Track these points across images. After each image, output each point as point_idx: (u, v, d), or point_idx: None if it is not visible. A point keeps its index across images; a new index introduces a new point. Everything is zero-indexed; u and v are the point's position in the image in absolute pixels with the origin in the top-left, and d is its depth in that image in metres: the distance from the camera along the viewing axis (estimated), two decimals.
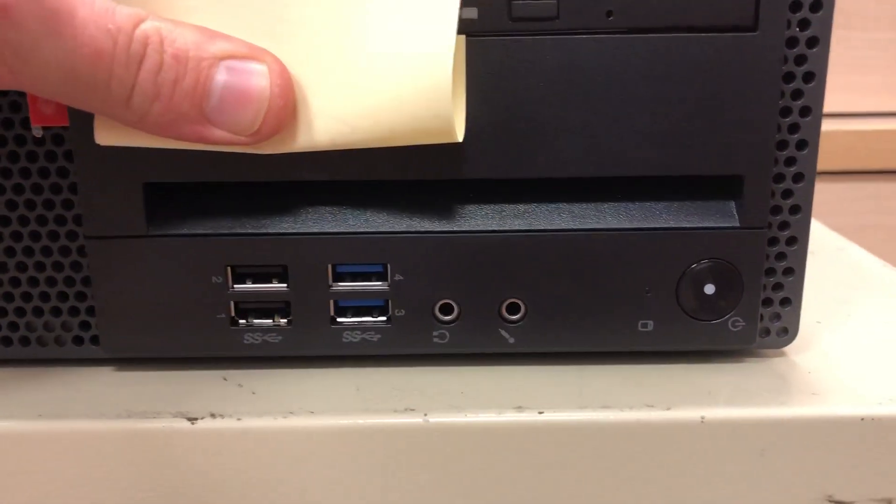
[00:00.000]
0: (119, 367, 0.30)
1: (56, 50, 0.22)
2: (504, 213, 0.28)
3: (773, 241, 0.29)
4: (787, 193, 0.28)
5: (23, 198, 0.28)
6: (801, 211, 0.28)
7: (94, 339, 0.29)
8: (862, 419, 0.27)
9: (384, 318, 0.29)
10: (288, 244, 0.28)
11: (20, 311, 0.29)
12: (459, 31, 0.25)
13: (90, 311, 0.29)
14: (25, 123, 0.27)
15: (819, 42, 0.27)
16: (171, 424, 0.27)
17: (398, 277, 0.28)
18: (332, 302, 0.29)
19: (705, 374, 0.29)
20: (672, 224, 0.28)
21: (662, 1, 0.26)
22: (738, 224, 0.28)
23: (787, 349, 0.31)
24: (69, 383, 0.29)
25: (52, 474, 0.27)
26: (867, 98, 0.79)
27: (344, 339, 0.29)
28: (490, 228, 0.28)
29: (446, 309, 0.29)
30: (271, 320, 0.29)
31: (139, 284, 0.28)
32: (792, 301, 0.29)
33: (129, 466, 0.27)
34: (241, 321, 0.29)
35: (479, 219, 0.28)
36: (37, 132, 0.27)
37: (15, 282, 0.29)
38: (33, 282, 0.29)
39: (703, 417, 0.27)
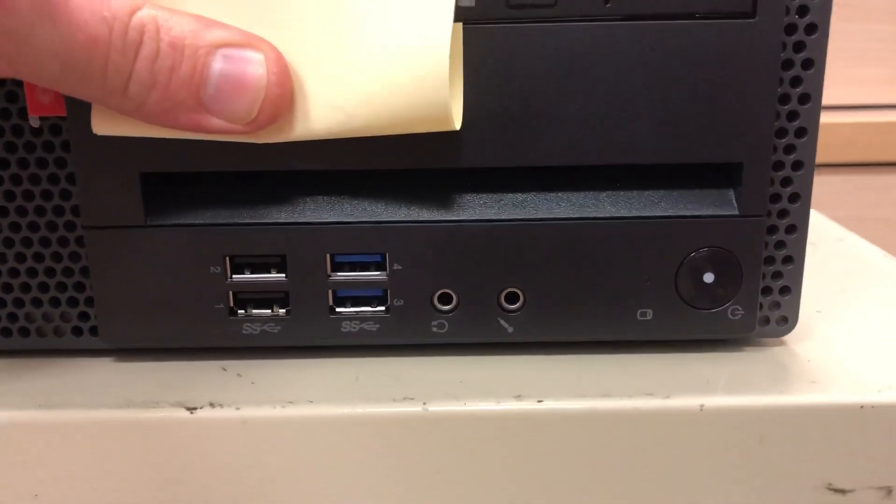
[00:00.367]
0: (118, 358, 0.30)
1: (51, 37, 0.22)
2: (502, 202, 0.28)
3: (772, 230, 0.29)
4: (787, 181, 0.28)
5: (21, 188, 0.28)
6: (801, 199, 0.28)
7: (93, 330, 0.29)
8: (861, 407, 0.27)
9: (383, 308, 0.29)
10: (286, 234, 0.28)
11: (19, 302, 0.29)
12: (456, 19, 0.25)
13: (89, 301, 0.29)
14: (23, 113, 0.27)
15: (818, 29, 0.27)
16: (170, 414, 0.27)
17: (397, 267, 0.28)
18: (330, 292, 0.29)
19: (704, 362, 0.29)
20: (671, 212, 0.28)
21: None
22: (737, 212, 0.28)
23: (786, 338, 0.31)
24: (68, 374, 0.29)
25: (51, 464, 0.27)
26: (868, 90, 0.79)
27: (343, 329, 0.29)
28: (488, 217, 0.28)
29: (445, 298, 0.29)
30: (270, 310, 0.29)
31: (137, 275, 0.28)
32: (791, 289, 0.29)
33: (129, 456, 0.27)
34: (239, 311, 0.29)
35: (478, 208, 0.28)
36: (34, 122, 0.27)
37: (14, 272, 0.29)
38: (32, 272, 0.29)
39: (702, 406, 0.27)
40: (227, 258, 0.28)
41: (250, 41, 0.24)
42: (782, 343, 0.31)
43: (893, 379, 0.28)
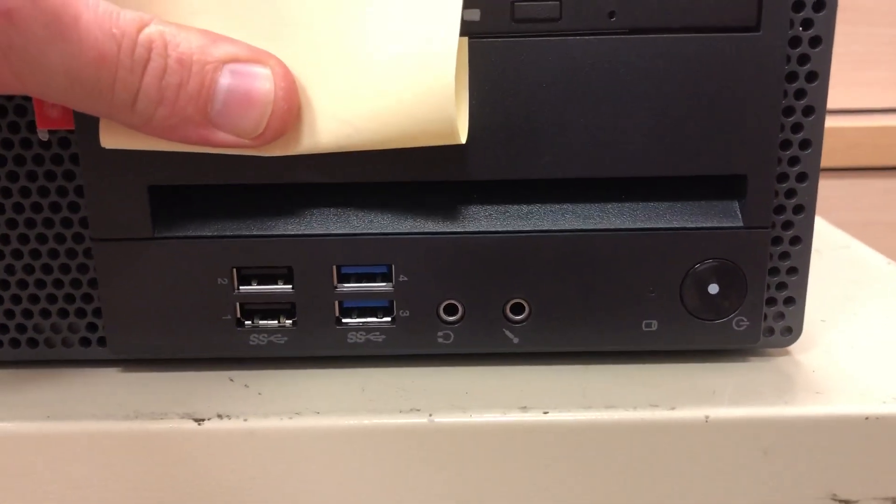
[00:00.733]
0: (125, 369, 0.30)
1: (61, 54, 0.22)
2: (508, 214, 0.28)
3: (776, 241, 0.29)
4: (791, 193, 0.28)
5: (30, 201, 0.28)
6: (805, 210, 0.28)
7: (101, 341, 0.30)
8: (866, 418, 0.27)
9: (389, 319, 0.29)
10: (293, 246, 0.28)
11: (27, 313, 0.29)
12: (462, 33, 0.25)
13: (97, 312, 0.29)
14: (31, 127, 0.27)
15: (822, 41, 0.27)
16: (178, 425, 0.27)
17: (403, 278, 0.28)
18: (336, 303, 0.29)
19: (709, 373, 0.29)
20: (676, 224, 0.28)
21: (665, 1, 0.26)
22: (741, 224, 0.28)
23: (791, 348, 0.31)
24: (76, 384, 0.29)
25: (60, 475, 0.27)
26: (872, 94, 0.79)
27: (349, 340, 0.29)
28: (494, 229, 0.28)
29: (451, 309, 0.29)
30: (277, 321, 0.29)
31: (145, 286, 0.28)
32: (796, 300, 0.29)
33: (137, 467, 0.27)
34: (246, 322, 0.29)
35: (483, 219, 0.28)
36: (43, 135, 0.28)
37: (22, 284, 0.29)
38: (40, 284, 0.29)
39: (707, 417, 0.27)
40: (235, 270, 0.28)
41: (257, 56, 0.24)
42: (787, 353, 0.31)
43: None
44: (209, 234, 0.28)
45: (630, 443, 0.27)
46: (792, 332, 0.30)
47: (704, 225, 0.28)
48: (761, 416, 0.27)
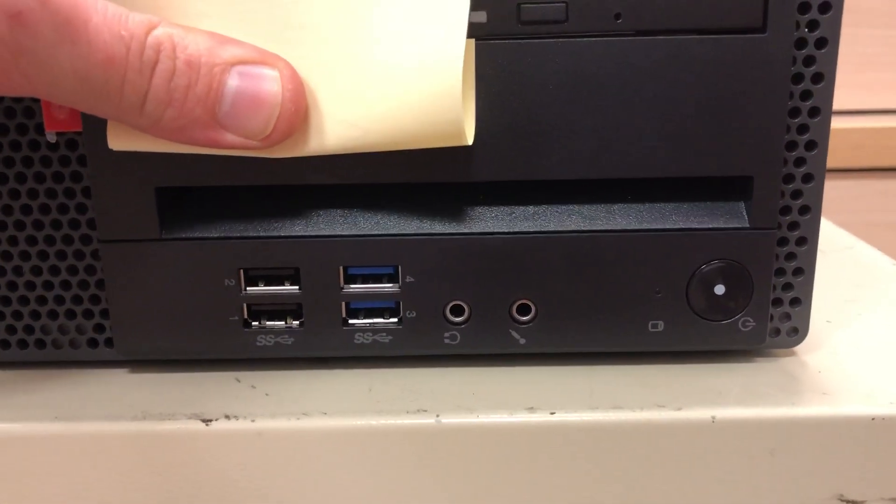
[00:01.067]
0: (133, 369, 0.31)
1: (70, 56, 0.22)
2: (514, 215, 0.29)
3: (782, 242, 0.29)
4: (797, 194, 0.28)
5: (37, 202, 0.28)
6: (811, 211, 0.28)
7: (109, 342, 0.30)
8: (872, 419, 0.27)
9: (395, 320, 0.29)
10: (300, 247, 0.28)
11: (35, 314, 0.30)
12: (469, 35, 0.25)
13: (104, 313, 0.29)
14: (39, 129, 0.27)
15: (828, 43, 0.27)
16: (186, 426, 0.27)
17: (409, 279, 0.28)
18: (343, 304, 0.29)
19: (715, 374, 0.29)
20: (682, 225, 0.28)
21: (671, 3, 0.26)
22: (747, 225, 0.28)
23: (797, 349, 0.31)
24: (84, 385, 0.30)
25: (68, 475, 0.27)
26: (876, 95, 0.79)
27: (356, 341, 0.29)
28: (500, 230, 0.28)
29: (457, 310, 0.29)
30: (284, 322, 0.29)
31: (153, 287, 0.29)
32: (802, 301, 0.29)
33: (145, 468, 0.27)
34: (253, 323, 0.29)
35: (490, 221, 0.28)
36: (51, 137, 0.28)
37: (30, 285, 0.29)
38: (48, 285, 0.29)
39: (713, 417, 0.27)
40: (242, 271, 0.29)
41: (265, 58, 0.24)
42: (793, 354, 0.31)
43: None
44: (216, 235, 0.28)
45: (637, 443, 0.27)
46: (798, 332, 0.30)
47: (711, 226, 0.28)
48: (768, 417, 0.27)
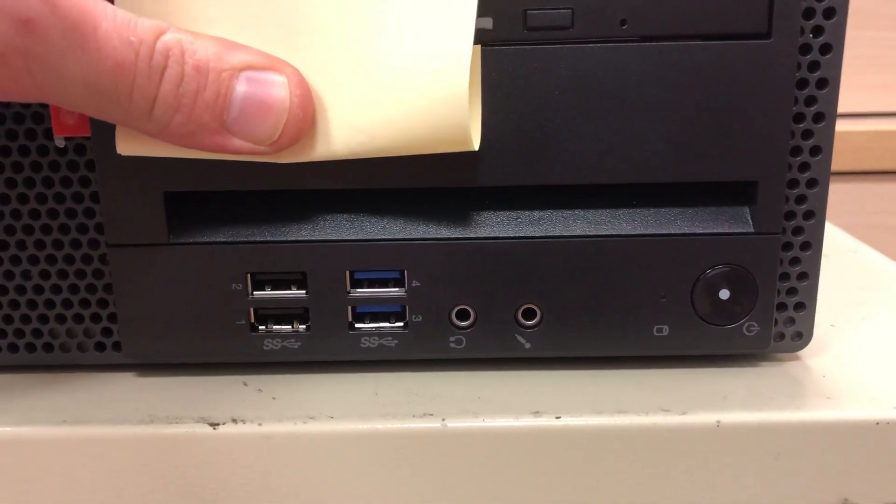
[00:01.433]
0: (140, 373, 0.31)
1: (80, 63, 0.22)
2: (520, 220, 0.29)
3: (787, 247, 0.29)
4: (801, 199, 0.28)
5: (46, 207, 0.28)
6: (815, 216, 0.29)
7: (116, 346, 0.30)
8: (877, 423, 0.27)
9: (401, 324, 0.29)
10: (306, 251, 0.28)
11: (43, 318, 0.30)
12: (475, 41, 0.26)
13: (112, 317, 0.30)
14: (48, 134, 0.28)
15: (832, 49, 0.27)
16: (193, 429, 0.27)
17: (415, 283, 0.29)
18: (349, 308, 0.29)
19: (720, 378, 0.30)
20: (687, 230, 0.28)
21: (676, 9, 0.26)
22: (752, 230, 0.28)
23: (801, 353, 0.31)
24: (92, 389, 0.30)
25: (75, 479, 0.27)
26: (879, 98, 0.79)
27: (362, 345, 0.29)
28: (506, 235, 0.28)
29: (463, 314, 0.29)
30: (290, 326, 0.29)
31: (160, 291, 0.29)
32: (806, 305, 0.30)
33: (152, 471, 0.27)
34: (260, 327, 0.29)
35: (495, 225, 0.29)
36: (59, 142, 0.28)
37: (38, 289, 0.29)
38: (56, 289, 0.29)
39: (718, 422, 0.27)
40: (249, 275, 0.29)
41: (273, 64, 0.25)
42: (797, 358, 0.31)
43: None
44: (224, 239, 0.28)
45: (642, 447, 0.27)
46: (802, 337, 0.30)
47: (715, 231, 0.28)
48: (772, 422, 0.27)
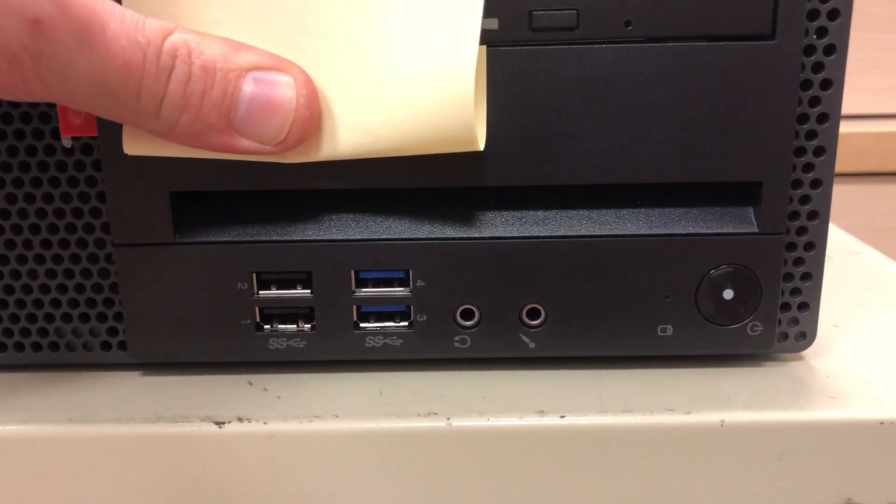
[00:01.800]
0: (146, 372, 0.31)
1: (89, 62, 0.22)
2: (524, 220, 0.29)
3: (791, 247, 0.29)
4: (805, 199, 0.28)
5: (52, 206, 0.29)
6: (819, 217, 0.29)
7: (122, 345, 0.30)
8: (881, 423, 0.27)
9: (406, 324, 0.29)
10: (312, 251, 0.28)
11: (49, 317, 0.30)
12: (481, 42, 0.26)
13: (118, 317, 0.30)
14: (55, 134, 0.28)
15: (836, 50, 0.27)
16: (199, 428, 0.27)
17: (420, 283, 0.29)
18: (354, 307, 0.29)
19: (724, 378, 0.30)
20: (691, 230, 0.28)
21: (681, 10, 0.26)
22: (756, 230, 0.28)
23: (805, 353, 0.31)
24: (98, 388, 0.30)
25: (81, 477, 0.27)
26: (881, 99, 0.79)
27: (367, 344, 0.30)
28: (511, 235, 0.28)
29: (467, 314, 0.29)
30: (295, 325, 0.29)
31: (166, 291, 0.29)
32: (810, 306, 0.30)
33: (158, 470, 0.27)
34: (265, 326, 0.29)
35: (500, 225, 0.29)
36: (66, 142, 0.28)
37: (44, 288, 0.30)
38: (62, 288, 0.30)
39: (722, 421, 0.27)
40: (254, 274, 0.29)
41: (279, 64, 0.25)
42: (801, 358, 0.31)
43: None
44: (229, 239, 0.28)
45: (646, 447, 0.27)
46: (806, 337, 0.30)
47: (720, 231, 0.28)
48: (776, 421, 0.27)
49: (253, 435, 0.27)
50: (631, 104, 0.27)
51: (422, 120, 0.25)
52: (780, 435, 0.27)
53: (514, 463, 0.27)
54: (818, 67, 0.27)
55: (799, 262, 0.29)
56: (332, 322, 0.29)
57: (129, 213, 0.28)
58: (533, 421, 0.27)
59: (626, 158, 0.28)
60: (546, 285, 0.29)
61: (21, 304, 0.30)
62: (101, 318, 0.30)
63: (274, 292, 0.29)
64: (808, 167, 0.28)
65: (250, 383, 0.30)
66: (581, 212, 0.29)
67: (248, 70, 0.24)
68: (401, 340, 0.29)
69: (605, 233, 0.28)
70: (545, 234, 0.28)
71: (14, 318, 0.30)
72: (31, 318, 0.30)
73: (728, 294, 0.29)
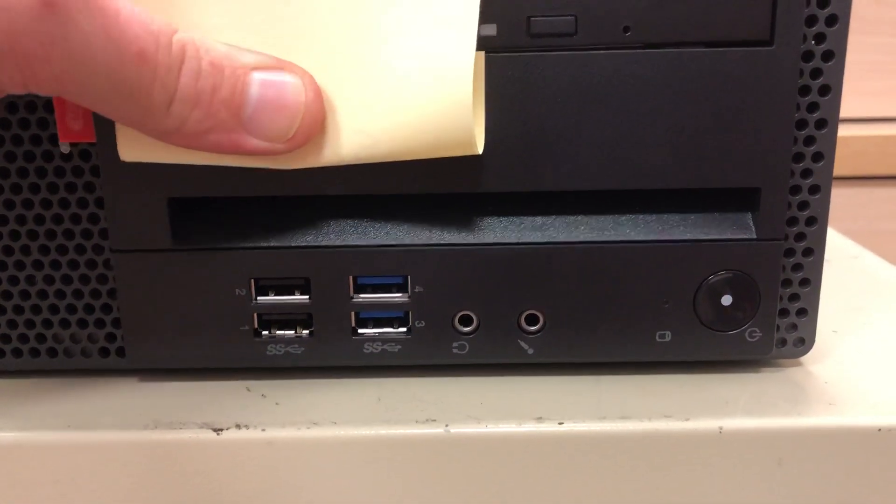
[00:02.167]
0: (144, 378, 0.31)
1: (105, 49, 0.21)
2: (523, 226, 0.29)
3: (789, 253, 0.29)
4: (804, 205, 0.28)
5: (50, 212, 0.29)
6: (818, 222, 0.29)
7: (120, 351, 0.30)
8: (879, 429, 0.27)
9: (404, 330, 0.29)
10: (310, 257, 0.28)
11: (47, 323, 0.30)
12: (479, 48, 0.26)
13: (116, 323, 0.30)
14: (53, 140, 0.28)
15: (835, 56, 0.27)
16: (197, 435, 0.27)
17: (418, 289, 0.29)
18: (353, 313, 0.29)
19: (722, 384, 0.30)
20: (689, 236, 0.28)
21: (679, 16, 0.26)
22: (754, 236, 0.28)
23: (803, 359, 0.31)
24: (96, 394, 0.30)
25: (79, 484, 0.27)
26: (879, 103, 0.79)
27: (365, 350, 0.29)
28: (509, 241, 0.28)
29: (466, 320, 0.29)
30: (294, 332, 0.29)
31: (164, 297, 0.29)
32: (808, 311, 0.30)
33: (156, 476, 0.27)
34: (264, 332, 0.29)
35: (499, 231, 0.29)
36: (64, 148, 0.28)
37: (42, 294, 0.29)
38: (60, 294, 0.29)
39: (720, 428, 0.27)
40: (252, 280, 0.29)
41: (283, 64, 0.25)
42: (799, 364, 0.31)
43: None
44: (227, 245, 0.28)
45: (645, 453, 0.27)
46: (804, 343, 0.30)
47: (718, 237, 0.28)
48: (775, 427, 0.27)
49: (251, 442, 0.27)
50: (629, 110, 0.27)
51: (421, 124, 0.25)
52: (779, 441, 0.27)
53: (512, 470, 0.27)
54: (816, 73, 0.27)
55: (797, 267, 0.29)
56: (331, 328, 0.29)
57: (127, 220, 0.28)
58: (531, 427, 0.27)
59: (624, 164, 0.27)
60: (544, 291, 0.29)
61: (19, 310, 0.30)
62: (99, 324, 0.30)
63: (272, 298, 0.29)
64: (806, 173, 0.28)
65: (248, 389, 0.30)
66: (579, 218, 0.29)
67: (255, 68, 0.24)
68: (399, 346, 0.29)
69: (603, 239, 0.28)
70: (543, 240, 0.28)
71: (12, 324, 0.30)
72: (30, 323, 0.30)
73: (726, 300, 0.29)
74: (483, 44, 0.26)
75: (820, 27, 0.27)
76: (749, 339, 0.29)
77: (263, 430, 0.27)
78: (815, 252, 0.29)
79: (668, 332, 0.29)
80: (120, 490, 0.27)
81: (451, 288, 0.29)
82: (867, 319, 0.35)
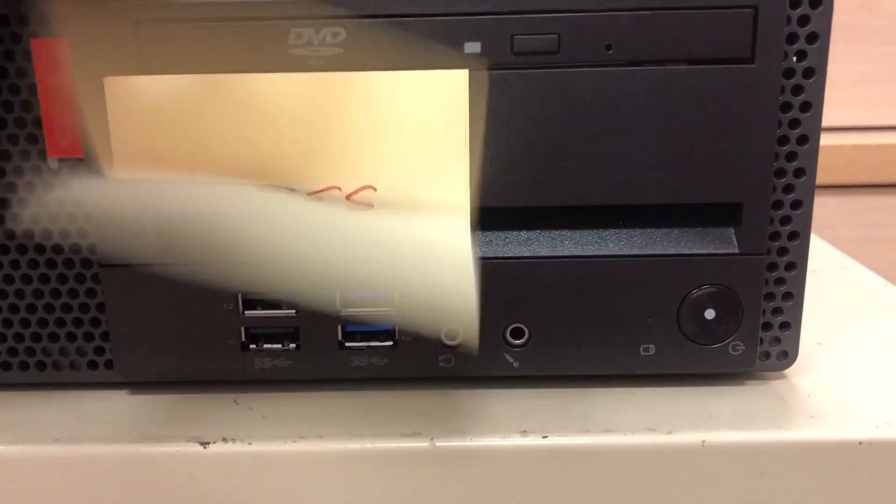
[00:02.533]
0: (133, 391, 0.31)
1: None
2: (507, 240, 0.29)
3: (772, 267, 0.29)
4: (786, 220, 0.29)
5: (39, 227, 0.29)
6: (800, 237, 0.29)
7: (109, 364, 0.30)
8: (860, 443, 0.27)
9: (391, 343, 0.30)
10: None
11: (36, 337, 0.30)
12: (463, 66, 0.26)
13: (105, 336, 0.30)
14: (42, 155, 0.28)
15: (815, 73, 0.27)
16: (184, 449, 0.27)
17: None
18: (339, 327, 0.29)
19: (706, 397, 0.30)
20: (673, 251, 0.29)
21: (661, 34, 0.27)
22: (737, 250, 0.28)
23: (786, 371, 0.31)
24: (84, 407, 0.30)
25: (67, 497, 0.28)
26: (869, 111, 0.79)
27: (352, 363, 0.30)
28: (494, 255, 0.29)
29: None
30: (281, 345, 0.30)
31: (152, 310, 0.29)
32: (791, 325, 0.30)
33: (143, 490, 0.27)
34: (251, 346, 0.30)
35: (484, 245, 0.29)
36: (52, 164, 0.28)
37: (32, 308, 0.30)
38: (49, 308, 0.30)
39: (703, 441, 0.27)
40: (240, 294, 0.29)
41: None
42: (783, 376, 0.31)
43: (892, 415, 0.28)
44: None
45: (628, 467, 0.27)
46: (788, 356, 0.30)
47: (701, 251, 0.29)
48: (757, 441, 0.27)
49: (238, 455, 0.27)
50: (612, 127, 0.27)
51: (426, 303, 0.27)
52: (762, 454, 0.27)
53: (497, 483, 0.27)
54: (798, 90, 0.28)
55: (780, 281, 0.29)
56: (317, 341, 0.29)
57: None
58: (516, 441, 0.27)
59: (607, 180, 0.28)
60: (529, 305, 0.29)
61: (8, 323, 0.30)
62: (88, 337, 0.30)
63: (259, 312, 0.29)
64: (788, 188, 0.28)
65: (236, 402, 0.30)
66: (564, 232, 0.29)
67: None
68: (386, 360, 0.30)
69: (587, 253, 0.29)
70: (528, 254, 0.29)
71: (1, 338, 0.30)
72: (19, 337, 0.30)
73: (710, 314, 0.29)
74: (467, 62, 0.26)
75: (801, 45, 0.27)
76: (732, 353, 0.29)
77: (250, 443, 0.27)
78: (797, 266, 0.29)
79: (652, 346, 0.29)
80: (107, 503, 0.28)
81: None
82: (852, 332, 0.35)
